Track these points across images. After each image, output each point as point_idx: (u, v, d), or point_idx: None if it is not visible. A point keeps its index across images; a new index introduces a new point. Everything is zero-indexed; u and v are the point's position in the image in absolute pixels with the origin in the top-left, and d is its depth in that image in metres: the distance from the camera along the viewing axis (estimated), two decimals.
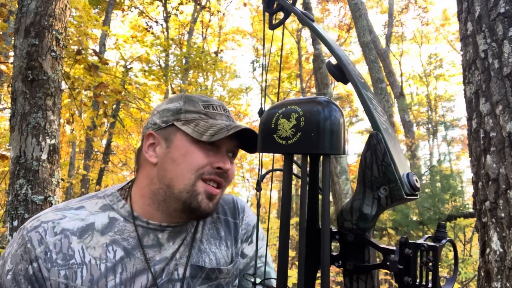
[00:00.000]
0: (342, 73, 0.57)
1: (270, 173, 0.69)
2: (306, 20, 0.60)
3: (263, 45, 0.74)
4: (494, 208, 1.60)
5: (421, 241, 0.48)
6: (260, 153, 0.62)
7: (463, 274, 5.08)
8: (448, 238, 0.48)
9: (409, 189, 0.48)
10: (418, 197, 0.50)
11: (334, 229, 0.53)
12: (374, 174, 0.50)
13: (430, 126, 18.90)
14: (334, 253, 0.53)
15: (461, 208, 5.25)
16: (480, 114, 1.70)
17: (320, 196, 0.51)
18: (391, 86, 11.04)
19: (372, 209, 0.50)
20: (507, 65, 1.59)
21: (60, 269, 0.79)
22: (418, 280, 0.46)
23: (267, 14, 0.66)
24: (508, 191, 1.53)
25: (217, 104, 0.92)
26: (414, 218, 5.34)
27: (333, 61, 0.58)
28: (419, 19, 17.09)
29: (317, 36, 0.60)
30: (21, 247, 0.80)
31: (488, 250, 1.65)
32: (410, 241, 0.47)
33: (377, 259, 0.52)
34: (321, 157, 0.51)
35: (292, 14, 0.62)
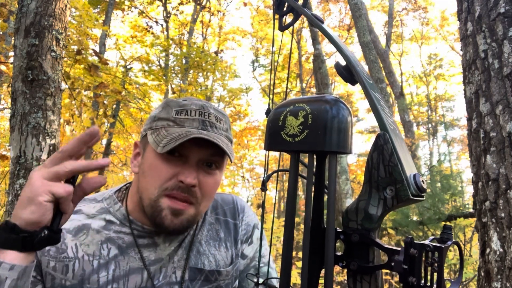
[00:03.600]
0: (350, 74, 0.57)
1: (275, 173, 0.69)
2: (316, 21, 0.61)
3: (272, 46, 0.74)
4: (494, 208, 1.60)
5: (426, 241, 0.47)
6: (267, 152, 0.61)
7: (463, 274, 5.07)
8: (454, 240, 0.48)
9: (415, 190, 0.48)
10: (424, 198, 0.50)
11: (338, 229, 0.53)
12: (380, 174, 0.49)
13: (430, 126, 18.90)
14: (339, 253, 0.52)
15: (461, 208, 5.25)
16: (480, 114, 1.70)
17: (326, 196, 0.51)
18: (391, 86, 11.04)
19: (378, 210, 0.50)
20: (507, 65, 1.59)
21: (50, 259, 0.80)
22: (422, 281, 0.46)
23: (277, 15, 0.67)
24: (508, 191, 1.53)
25: (194, 109, 0.82)
26: (414, 218, 5.34)
27: (342, 62, 0.58)
28: (419, 19, 17.10)
29: (326, 38, 0.60)
30: None
31: (488, 250, 1.65)
32: (415, 241, 0.47)
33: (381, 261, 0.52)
34: (328, 155, 0.51)
35: (302, 15, 0.62)
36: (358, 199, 0.51)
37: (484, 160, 1.66)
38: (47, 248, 0.80)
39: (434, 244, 0.46)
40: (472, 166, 1.79)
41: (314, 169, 0.55)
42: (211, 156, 0.82)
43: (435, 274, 0.46)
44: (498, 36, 1.64)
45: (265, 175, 0.68)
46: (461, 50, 1.92)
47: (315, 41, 7.34)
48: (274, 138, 0.54)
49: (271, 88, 0.76)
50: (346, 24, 16.48)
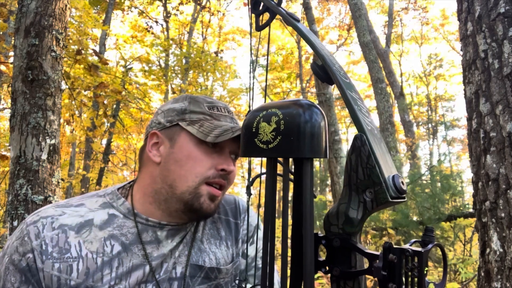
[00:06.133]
0: (326, 73, 0.55)
1: (263, 176, 0.68)
2: (291, 20, 0.59)
3: (250, 47, 0.73)
4: (494, 208, 1.60)
5: (406, 246, 0.46)
6: (249, 157, 0.61)
7: (463, 274, 5.08)
8: (435, 243, 0.46)
9: (394, 192, 0.47)
10: (405, 199, 0.48)
11: (320, 234, 0.52)
12: (359, 177, 0.48)
13: (430, 126, 18.91)
14: (321, 259, 0.51)
15: (461, 208, 5.25)
16: (480, 114, 1.70)
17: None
18: (391, 86, 11.05)
19: (358, 213, 0.48)
20: (507, 65, 1.59)
21: (55, 262, 0.80)
22: (404, 287, 0.45)
23: (254, 15, 0.66)
24: (508, 191, 1.53)
25: (221, 106, 0.93)
26: (414, 218, 5.34)
27: (319, 62, 0.57)
28: (419, 19, 17.10)
29: (301, 37, 0.59)
30: (18, 240, 0.82)
31: (488, 250, 1.65)
32: (394, 246, 0.46)
33: (366, 264, 0.51)
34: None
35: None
36: (338, 202, 0.50)
37: (484, 160, 1.66)
38: (50, 250, 0.80)
39: (414, 248, 0.45)
40: (472, 166, 1.79)
41: (293, 175, 0.53)
42: (237, 148, 0.90)
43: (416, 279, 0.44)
44: (498, 36, 1.64)
45: (249, 180, 0.67)
46: (461, 50, 1.92)
47: None
48: (248, 145, 0.53)
49: (251, 88, 0.76)
50: (346, 24, 16.47)
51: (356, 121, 0.50)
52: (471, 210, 4.99)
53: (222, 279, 0.93)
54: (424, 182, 5.66)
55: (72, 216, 0.85)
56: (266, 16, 0.64)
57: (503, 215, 1.55)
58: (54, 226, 0.83)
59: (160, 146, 0.89)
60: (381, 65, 9.69)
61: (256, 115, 0.53)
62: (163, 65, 11.04)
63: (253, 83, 0.76)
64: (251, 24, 0.68)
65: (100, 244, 0.83)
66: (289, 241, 0.50)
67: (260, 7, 0.64)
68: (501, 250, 1.56)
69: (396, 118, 12.60)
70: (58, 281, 0.79)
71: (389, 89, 10.82)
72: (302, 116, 0.49)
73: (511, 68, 1.57)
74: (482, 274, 1.69)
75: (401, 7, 15.95)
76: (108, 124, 7.97)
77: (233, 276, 0.96)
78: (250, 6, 0.65)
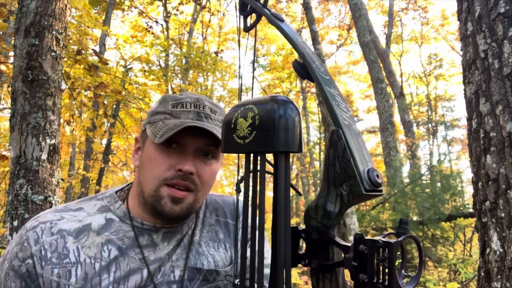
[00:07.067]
0: (307, 71, 0.57)
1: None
2: (274, 20, 0.61)
3: (239, 50, 0.74)
4: (494, 208, 1.60)
5: (379, 237, 0.47)
6: (238, 155, 0.62)
7: (463, 274, 5.09)
8: (408, 234, 0.47)
9: (369, 185, 0.47)
10: (382, 193, 0.49)
11: (301, 227, 0.53)
12: (336, 170, 0.49)
13: (430, 126, 18.92)
14: (301, 252, 0.53)
15: (461, 208, 5.25)
16: (480, 114, 1.70)
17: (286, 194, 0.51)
18: (391, 86, 11.05)
19: (336, 207, 0.49)
20: (507, 65, 1.59)
21: (54, 267, 0.80)
22: (376, 277, 0.45)
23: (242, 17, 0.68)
24: (508, 191, 1.53)
25: (189, 102, 0.87)
26: (414, 218, 5.35)
27: (301, 60, 0.58)
28: (419, 19, 17.11)
29: (283, 35, 0.61)
30: (18, 245, 0.82)
31: (488, 250, 1.65)
32: (366, 237, 0.47)
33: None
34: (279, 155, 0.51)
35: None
36: (318, 196, 0.51)
37: (484, 160, 1.66)
38: (49, 255, 0.81)
39: (384, 239, 0.46)
40: (472, 166, 1.79)
41: (273, 169, 0.55)
42: (206, 145, 0.85)
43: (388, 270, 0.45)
44: (498, 36, 1.64)
45: (238, 178, 0.68)
46: (461, 50, 1.92)
47: (315, 41, 7.34)
48: (228, 140, 0.54)
49: (240, 90, 0.77)
50: (346, 24, 16.48)
51: (333, 115, 0.51)
52: (471, 210, 4.99)
53: (221, 281, 0.92)
54: (424, 182, 5.67)
55: (71, 221, 0.85)
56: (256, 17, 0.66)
57: (503, 215, 1.55)
58: (53, 231, 0.83)
59: (140, 151, 0.91)
60: (381, 65, 9.70)
61: (235, 111, 0.54)
62: (163, 65, 11.05)
63: (241, 83, 0.78)
64: (239, 29, 0.70)
65: (98, 249, 0.83)
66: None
67: (248, 9, 0.66)
68: (501, 250, 1.56)
69: (396, 118, 12.60)
70: (57, 286, 0.79)
71: (389, 89, 10.82)
72: (277, 111, 0.50)
73: (511, 68, 1.57)
74: (482, 274, 1.69)
75: (401, 7, 15.96)
76: (108, 124, 7.97)
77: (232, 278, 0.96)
78: (238, 8, 0.67)
